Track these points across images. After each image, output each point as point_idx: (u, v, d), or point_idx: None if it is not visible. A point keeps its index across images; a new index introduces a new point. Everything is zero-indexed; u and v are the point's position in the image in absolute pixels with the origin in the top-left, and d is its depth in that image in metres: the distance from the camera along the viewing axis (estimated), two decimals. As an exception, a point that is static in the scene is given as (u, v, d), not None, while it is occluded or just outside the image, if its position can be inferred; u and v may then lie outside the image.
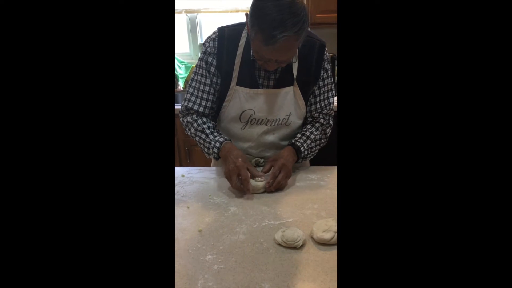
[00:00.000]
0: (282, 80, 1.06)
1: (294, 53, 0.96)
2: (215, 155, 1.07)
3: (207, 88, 1.09)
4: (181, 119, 1.16)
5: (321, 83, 1.11)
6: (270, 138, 1.14)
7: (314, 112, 1.14)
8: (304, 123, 1.17)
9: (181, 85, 2.79)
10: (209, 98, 1.10)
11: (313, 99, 1.13)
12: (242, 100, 1.07)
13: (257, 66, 1.03)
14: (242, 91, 1.06)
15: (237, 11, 2.73)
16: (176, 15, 2.71)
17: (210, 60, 1.06)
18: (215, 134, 1.08)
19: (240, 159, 0.98)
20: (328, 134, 1.18)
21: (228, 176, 0.98)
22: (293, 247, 0.71)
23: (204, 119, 1.11)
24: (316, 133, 1.13)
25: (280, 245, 0.72)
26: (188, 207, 0.91)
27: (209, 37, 1.07)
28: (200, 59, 1.08)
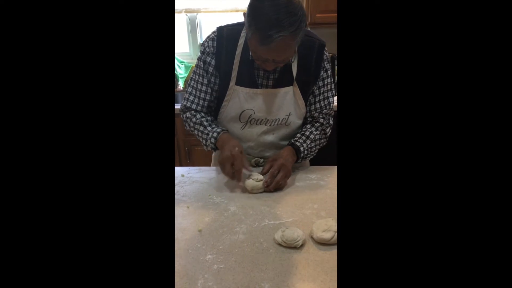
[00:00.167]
0: (281, 80, 1.06)
1: (292, 53, 0.96)
2: (213, 145, 1.08)
3: (204, 88, 1.10)
4: (181, 115, 1.19)
5: (320, 83, 1.11)
6: (270, 138, 1.14)
7: (314, 112, 1.14)
8: (304, 123, 1.17)
9: (181, 84, 2.79)
10: (207, 97, 1.11)
11: (313, 99, 1.13)
12: (242, 100, 1.07)
13: (256, 66, 1.03)
14: (242, 91, 1.06)
15: (237, 10, 2.73)
16: (176, 15, 2.71)
17: (208, 60, 1.06)
18: (213, 126, 1.10)
19: (237, 149, 0.98)
20: (328, 134, 1.18)
21: (222, 163, 0.99)
22: (293, 246, 0.71)
23: (203, 114, 1.13)
24: (316, 133, 1.13)
25: (280, 244, 0.72)
26: (188, 207, 0.91)
27: (208, 37, 1.07)
28: (199, 59, 1.09)
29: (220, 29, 1.06)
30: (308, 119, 1.17)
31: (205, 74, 1.08)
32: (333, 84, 1.14)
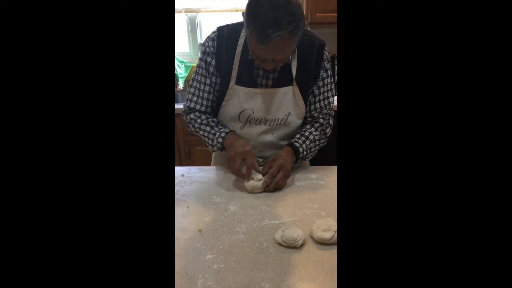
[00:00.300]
0: (281, 79, 1.06)
1: (290, 52, 0.96)
2: (220, 145, 1.08)
3: (207, 88, 1.10)
4: (184, 117, 1.19)
5: (320, 83, 1.11)
6: (269, 137, 1.14)
7: (314, 112, 1.14)
8: (304, 123, 1.17)
9: (181, 84, 2.79)
10: (210, 97, 1.11)
11: (313, 99, 1.13)
12: (241, 99, 1.07)
13: (256, 66, 1.03)
14: (241, 90, 1.06)
15: (237, 10, 2.73)
16: (176, 14, 2.71)
17: (209, 60, 1.06)
18: (220, 126, 1.11)
19: (249, 146, 1.00)
20: (328, 134, 1.18)
21: (233, 159, 0.99)
22: (293, 246, 0.71)
23: (208, 115, 1.14)
24: (315, 133, 1.13)
25: (280, 244, 0.72)
26: (188, 207, 0.91)
27: (208, 37, 1.07)
28: (200, 59, 1.09)
29: (220, 29, 1.06)
30: (308, 119, 1.17)
31: (207, 74, 1.08)
32: (333, 84, 1.14)
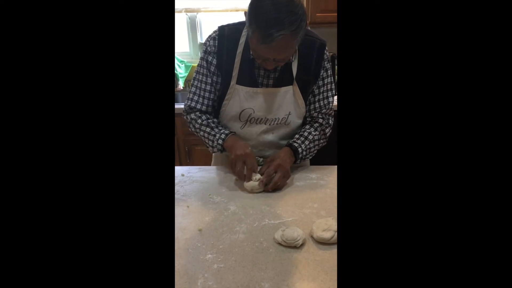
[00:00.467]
0: (282, 79, 1.06)
1: (292, 52, 0.96)
2: (220, 146, 1.08)
3: (208, 87, 1.10)
4: (184, 117, 1.19)
5: (320, 83, 1.11)
6: (270, 137, 1.14)
7: (313, 112, 1.14)
8: (304, 123, 1.17)
9: (181, 84, 2.79)
10: (211, 97, 1.11)
11: (312, 98, 1.13)
12: (242, 99, 1.07)
13: (257, 65, 1.03)
14: (242, 90, 1.06)
15: (237, 10, 2.73)
16: (176, 14, 2.71)
17: (210, 59, 1.07)
18: (220, 127, 1.11)
19: (249, 148, 1.01)
20: (328, 134, 1.17)
21: (234, 162, 1.00)
22: (293, 246, 0.71)
23: (208, 116, 1.14)
24: (314, 133, 1.12)
25: (280, 244, 0.72)
26: (188, 206, 0.91)
27: (209, 36, 1.07)
28: (201, 58, 1.09)
29: (222, 28, 1.06)
30: (308, 119, 1.17)
31: (208, 74, 1.08)
32: (333, 84, 1.14)
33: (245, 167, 0.99)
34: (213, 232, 0.78)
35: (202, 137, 1.14)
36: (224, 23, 1.08)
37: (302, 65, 1.05)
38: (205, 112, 1.14)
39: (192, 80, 1.13)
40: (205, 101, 1.11)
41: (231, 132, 1.09)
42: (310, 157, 1.17)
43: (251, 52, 0.99)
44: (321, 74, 1.09)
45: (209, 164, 1.31)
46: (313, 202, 0.91)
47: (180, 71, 2.80)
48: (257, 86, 1.06)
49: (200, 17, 2.82)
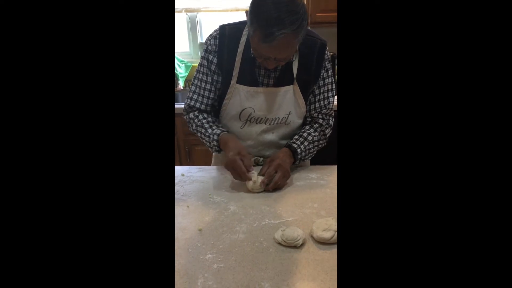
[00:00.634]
0: (282, 78, 1.06)
1: (293, 51, 0.96)
2: (216, 148, 1.08)
3: (208, 86, 1.10)
4: (184, 117, 1.18)
5: (321, 83, 1.11)
6: (270, 137, 1.14)
7: (313, 112, 1.14)
8: (304, 123, 1.17)
9: (181, 84, 2.79)
10: (211, 95, 1.11)
11: (313, 98, 1.13)
12: (242, 98, 1.07)
13: (258, 64, 1.03)
14: (242, 89, 1.06)
15: (237, 10, 2.72)
16: (176, 14, 2.70)
17: (211, 58, 1.07)
18: (214, 127, 1.10)
19: (231, 153, 0.99)
20: (328, 135, 1.17)
21: (228, 167, 1.00)
22: (293, 246, 0.71)
23: (205, 115, 1.13)
24: (314, 134, 1.12)
25: (280, 244, 0.72)
26: (188, 206, 0.91)
27: (210, 35, 1.07)
28: (202, 57, 1.09)
29: (222, 28, 1.06)
30: (308, 119, 1.16)
31: (208, 73, 1.08)
32: (333, 84, 1.14)
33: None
34: (213, 232, 0.78)
35: (201, 138, 1.14)
36: (225, 23, 1.09)
37: (302, 64, 1.05)
38: (204, 111, 1.14)
39: (192, 79, 1.13)
40: (205, 100, 1.11)
41: (222, 131, 1.08)
42: (309, 158, 1.17)
43: (252, 51, 0.99)
44: (321, 74, 1.09)
45: (209, 164, 1.31)
46: (313, 202, 0.91)
47: (180, 71, 2.80)
48: (257, 86, 1.06)
49: (200, 17, 2.82)
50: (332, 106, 1.15)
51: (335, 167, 1.12)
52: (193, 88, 1.12)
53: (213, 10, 2.74)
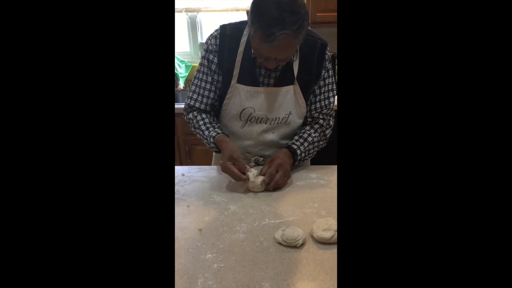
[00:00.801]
0: (283, 78, 1.06)
1: (294, 51, 0.96)
2: (215, 149, 1.09)
3: (208, 86, 1.10)
4: (184, 116, 1.18)
5: (321, 83, 1.10)
6: (270, 136, 1.14)
7: (314, 112, 1.14)
8: (304, 124, 1.17)
9: (181, 84, 2.79)
10: (210, 95, 1.11)
11: (314, 98, 1.13)
12: (243, 98, 1.07)
13: (258, 64, 1.03)
14: (243, 89, 1.06)
15: (237, 10, 2.72)
16: (176, 14, 2.70)
17: (211, 58, 1.07)
18: (210, 129, 1.10)
19: (223, 159, 0.99)
20: (328, 136, 1.17)
21: (224, 171, 1.00)
22: (293, 246, 0.71)
23: (203, 115, 1.13)
24: (314, 135, 1.12)
25: (280, 244, 0.72)
26: (188, 206, 0.91)
27: (211, 35, 1.07)
28: (202, 57, 1.09)
29: (223, 27, 1.06)
30: (308, 119, 1.16)
31: (208, 72, 1.08)
32: (334, 85, 1.14)
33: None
34: (213, 232, 0.78)
35: (201, 139, 1.15)
36: (225, 23, 1.09)
37: (303, 64, 1.05)
38: (204, 111, 1.13)
39: (193, 79, 1.13)
40: (205, 100, 1.11)
41: (217, 133, 1.07)
42: (309, 158, 1.17)
43: (252, 51, 0.99)
44: (322, 74, 1.09)
45: (210, 164, 1.31)
46: (313, 202, 0.91)
47: (181, 71, 2.80)
48: (258, 85, 1.06)
49: (200, 17, 2.82)
50: (333, 106, 1.15)
51: (335, 167, 1.12)
52: (193, 87, 1.12)
53: (214, 10, 2.74)
